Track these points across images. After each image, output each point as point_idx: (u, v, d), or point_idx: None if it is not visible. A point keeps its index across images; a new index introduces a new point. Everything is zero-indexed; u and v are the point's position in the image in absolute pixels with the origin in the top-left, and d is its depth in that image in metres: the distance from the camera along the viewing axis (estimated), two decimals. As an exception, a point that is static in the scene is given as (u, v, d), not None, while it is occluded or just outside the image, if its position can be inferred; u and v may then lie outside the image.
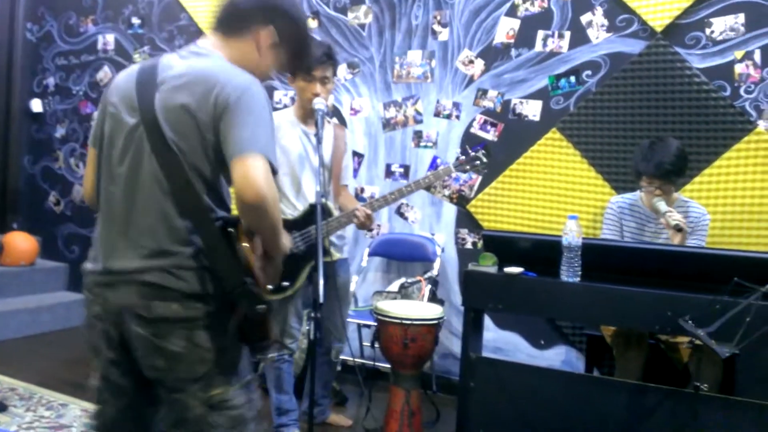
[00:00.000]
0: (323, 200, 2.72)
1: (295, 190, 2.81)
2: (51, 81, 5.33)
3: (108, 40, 5.01)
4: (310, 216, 2.73)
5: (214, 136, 1.46)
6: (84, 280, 1.57)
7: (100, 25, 5.05)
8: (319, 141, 2.43)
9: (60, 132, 5.28)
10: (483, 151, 2.82)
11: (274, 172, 1.45)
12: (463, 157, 2.84)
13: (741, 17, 3.01)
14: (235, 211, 1.49)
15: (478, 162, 2.82)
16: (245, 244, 1.48)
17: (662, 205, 2.66)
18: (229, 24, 1.61)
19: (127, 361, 1.52)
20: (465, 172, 3.01)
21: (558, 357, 3.46)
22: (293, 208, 2.80)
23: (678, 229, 2.53)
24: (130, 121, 1.51)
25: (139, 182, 1.49)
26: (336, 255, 2.87)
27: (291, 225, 2.74)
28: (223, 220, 1.50)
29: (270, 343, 1.54)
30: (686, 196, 2.93)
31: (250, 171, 1.39)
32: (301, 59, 1.76)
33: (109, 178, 1.55)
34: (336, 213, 2.78)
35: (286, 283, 2.74)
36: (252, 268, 1.48)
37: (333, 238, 2.85)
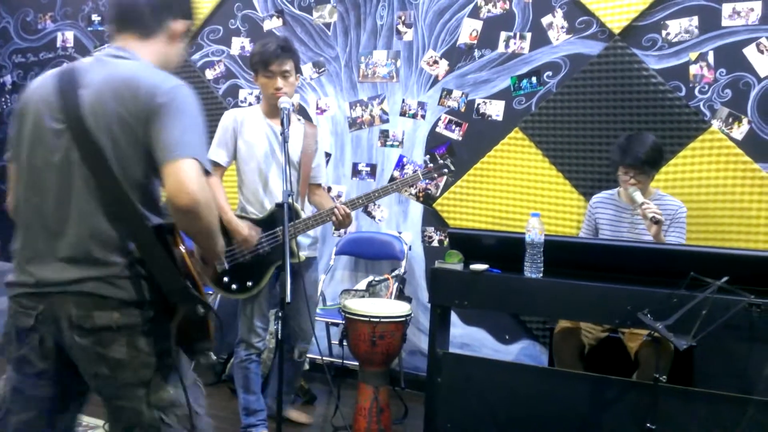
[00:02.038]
0: (290, 201, 2.71)
1: (263, 188, 2.78)
2: (8, 79, 5.18)
3: (67, 37, 4.91)
4: (276, 216, 2.72)
5: (145, 141, 1.44)
6: (9, 293, 1.54)
7: (59, 22, 4.94)
8: (285, 139, 2.37)
9: (17, 131, 5.14)
10: (450, 159, 2.90)
11: (208, 173, 1.45)
12: (431, 165, 2.89)
13: (695, 20, 3.11)
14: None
15: (446, 170, 2.87)
16: (182, 248, 1.49)
17: (638, 196, 2.71)
18: (143, 25, 1.59)
19: (57, 372, 1.52)
20: (432, 179, 3.05)
21: (522, 351, 3.53)
22: (260, 208, 2.78)
23: (655, 221, 2.59)
24: (55, 127, 1.47)
25: (72, 191, 1.46)
26: (303, 256, 2.83)
27: (257, 225, 2.73)
28: (159, 227, 1.49)
29: (210, 344, 1.56)
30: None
31: (181, 175, 1.37)
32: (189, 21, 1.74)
33: (34, 188, 1.50)
34: (303, 214, 2.76)
35: (249, 283, 2.73)
36: (191, 271, 1.49)
37: (300, 239, 2.82)
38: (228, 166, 2.82)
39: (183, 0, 1.67)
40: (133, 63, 1.53)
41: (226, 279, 2.73)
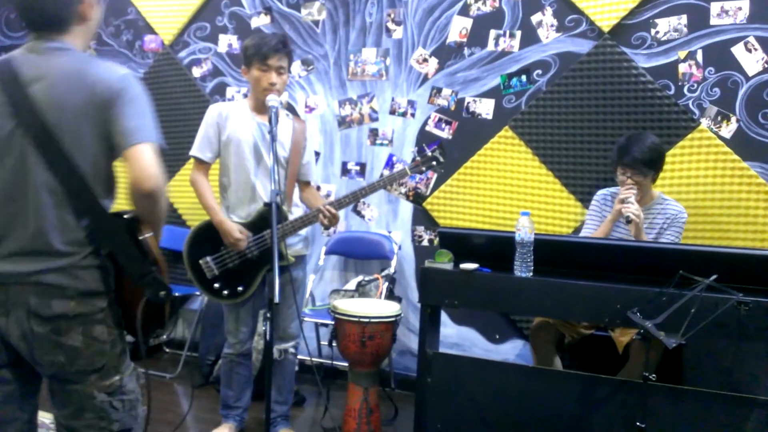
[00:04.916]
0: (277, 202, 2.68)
1: (248, 187, 2.72)
2: (-9, 77, 5.12)
3: (52, 35, 4.85)
4: (264, 218, 2.65)
5: (105, 129, 1.51)
6: None
7: (43, 20, 4.88)
8: (273, 138, 2.31)
9: (2, 130, 5.08)
10: (440, 150, 2.76)
11: (161, 152, 1.54)
12: (419, 159, 2.77)
13: (684, 18, 3.11)
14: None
15: (434, 162, 2.76)
16: (149, 234, 1.58)
17: (623, 193, 2.71)
18: (56, 23, 1.56)
19: (12, 360, 1.57)
20: (421, 173, 2.93)
21: (513, 351, 3.53)
22: (245, 208, 2.72)
23: (627, 220, 2.60)
24: (5, 124, 1.49)
25: (28, 187, 1.49)
26: (291, 258, 2.74)
27: (245, 228, 2.68)
28: (132, 219, 1.57)
29: (164, 328, 1.65)
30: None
31: (145, 161, 1.47)
32: None
33: None
34: (290, 216, 2.71)
35: (240, 288, 2.70)
36: (157, 256, 1.58)
37: (289, 240, 2.75)
38: (213, 162, 2.78)
39: None
40: (77, 55, 1.56)
41: (216, 285, 2.69)
